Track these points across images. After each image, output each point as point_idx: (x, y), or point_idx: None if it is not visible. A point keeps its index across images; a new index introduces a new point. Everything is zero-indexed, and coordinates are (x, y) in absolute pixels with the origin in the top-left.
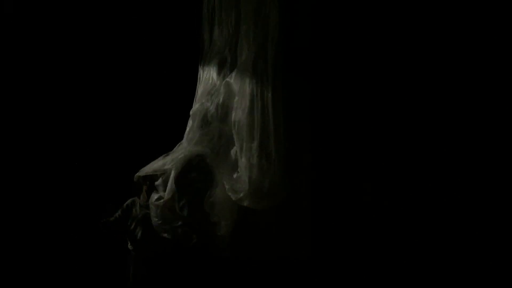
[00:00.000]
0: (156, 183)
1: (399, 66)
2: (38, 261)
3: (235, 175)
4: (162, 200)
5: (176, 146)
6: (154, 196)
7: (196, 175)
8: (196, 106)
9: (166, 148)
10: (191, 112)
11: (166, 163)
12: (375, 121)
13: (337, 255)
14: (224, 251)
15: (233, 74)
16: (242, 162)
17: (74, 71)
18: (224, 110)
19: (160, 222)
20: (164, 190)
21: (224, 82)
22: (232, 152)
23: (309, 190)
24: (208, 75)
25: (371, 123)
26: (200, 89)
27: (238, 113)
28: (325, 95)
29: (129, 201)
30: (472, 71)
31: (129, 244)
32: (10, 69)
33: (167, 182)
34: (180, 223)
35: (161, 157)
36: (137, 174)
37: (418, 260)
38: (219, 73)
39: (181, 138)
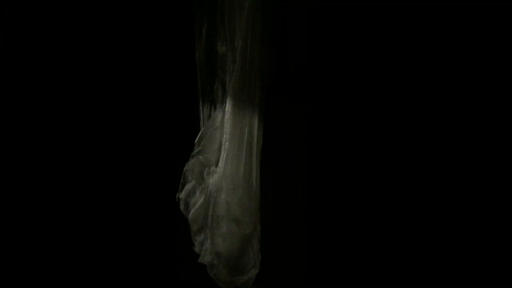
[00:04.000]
0: None
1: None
2: (38, 262)
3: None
4: None
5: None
6: None
7: None
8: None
9: (164, 150)
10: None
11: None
12: (376, 147)
13: (333, 276)
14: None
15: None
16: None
17: (74, 72)
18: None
19: None
20: None
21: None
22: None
23: (304, 217)
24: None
25: (373, 153)
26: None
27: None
28: (323, 122)
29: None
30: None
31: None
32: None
33: None
34: None
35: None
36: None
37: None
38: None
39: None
